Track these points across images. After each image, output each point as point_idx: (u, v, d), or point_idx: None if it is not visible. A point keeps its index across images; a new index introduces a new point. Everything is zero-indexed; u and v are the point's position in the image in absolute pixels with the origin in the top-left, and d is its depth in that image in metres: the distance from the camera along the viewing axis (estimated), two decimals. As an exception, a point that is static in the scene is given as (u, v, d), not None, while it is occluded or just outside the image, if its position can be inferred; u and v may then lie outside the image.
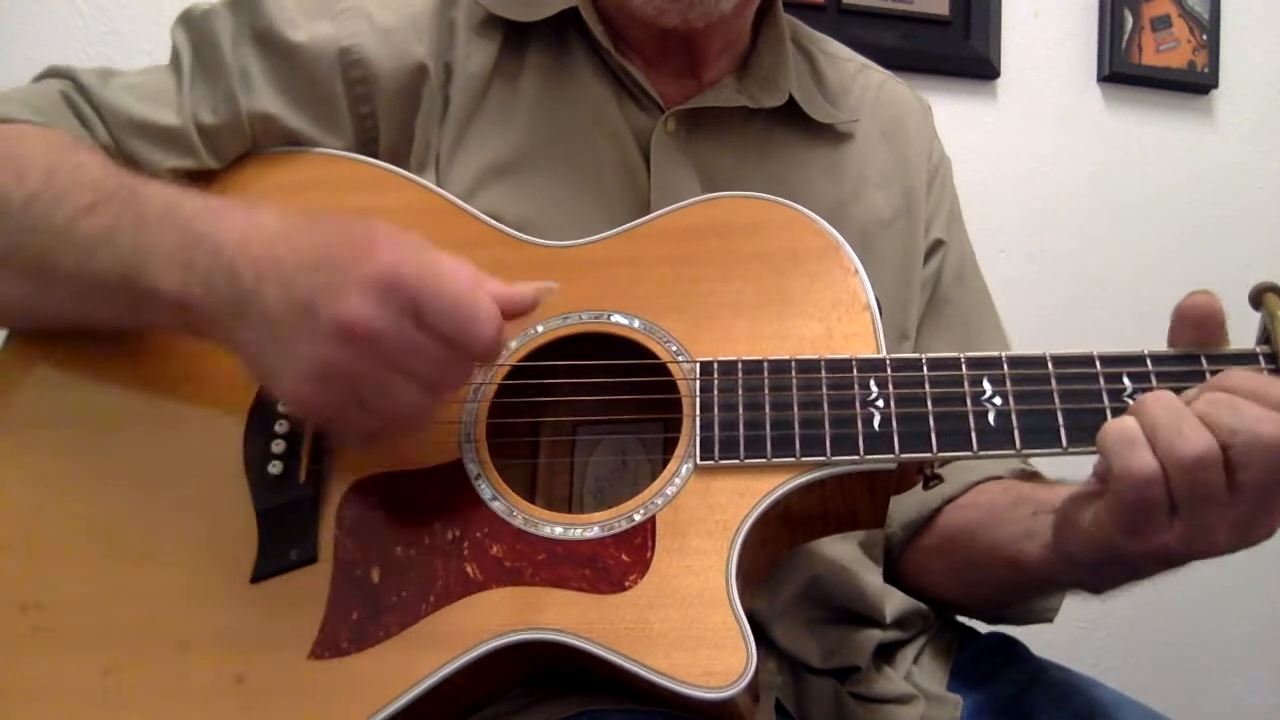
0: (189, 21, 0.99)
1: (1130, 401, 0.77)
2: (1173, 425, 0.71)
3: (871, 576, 1.02)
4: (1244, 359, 0.79)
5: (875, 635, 1.00)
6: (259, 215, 0.80)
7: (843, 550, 0.99)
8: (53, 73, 0.98)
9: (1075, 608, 1.04)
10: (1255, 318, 0.82)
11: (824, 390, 0.81)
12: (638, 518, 0.79)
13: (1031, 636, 1.06)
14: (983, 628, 1.10)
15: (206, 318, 0.79)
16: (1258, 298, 0.81)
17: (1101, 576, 0.85)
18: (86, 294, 0.84)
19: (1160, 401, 0.73)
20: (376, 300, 0.72)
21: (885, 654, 1.02)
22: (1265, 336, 0.80)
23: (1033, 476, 1.04)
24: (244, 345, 0.78)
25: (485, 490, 0.82)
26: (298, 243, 0.77)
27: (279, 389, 0.77)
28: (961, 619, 1.11)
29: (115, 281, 0.82)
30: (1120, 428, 0.73)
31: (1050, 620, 1.05)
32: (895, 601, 1.04)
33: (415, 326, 0.73)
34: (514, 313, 0.77)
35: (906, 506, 1.04)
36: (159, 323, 0.83)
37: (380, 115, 0.97)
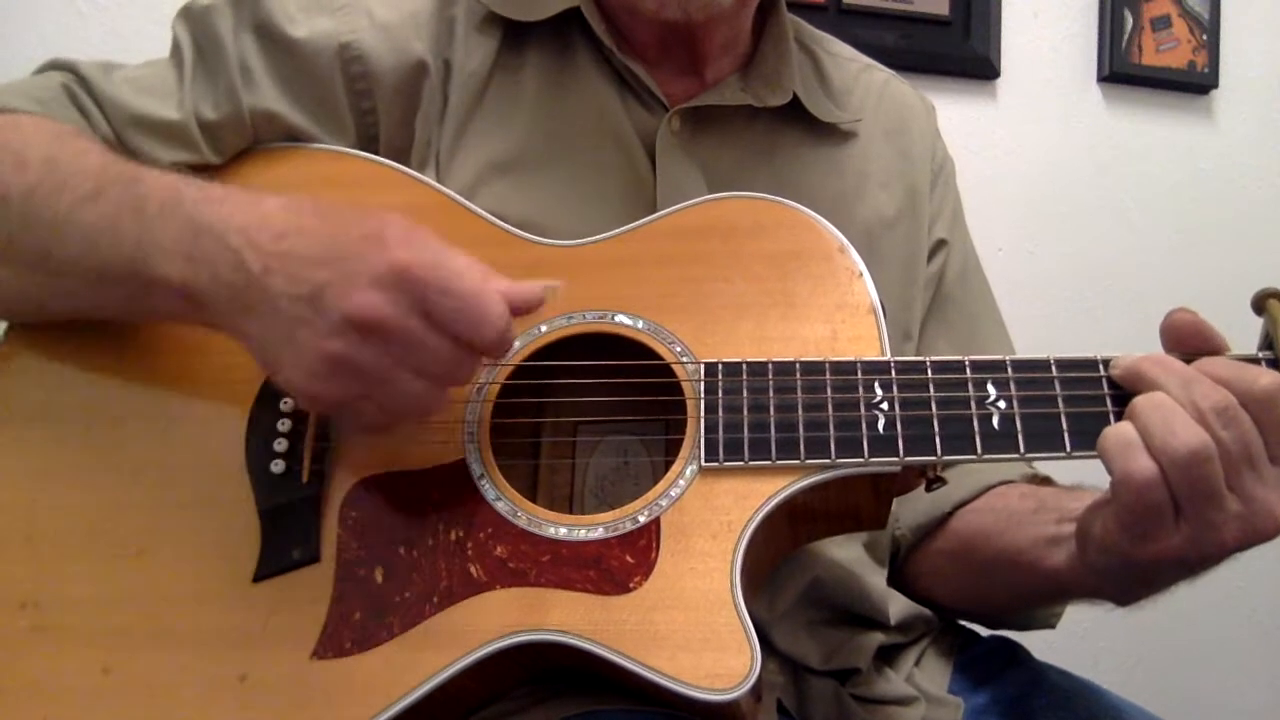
0: (190, 16, 0.99)
1: None
2: (1165, 424, 0.72)
3: (875, 578, 1.02)
4: (1246, 364, 0.79)
5: (877, 638, 1.00)
6: (263, 203, 0.80)
7: (846, 552, 0.99)
8: (54, 65, 0.98)
9: (1075, 610, 1.04)
10: (1254, 320, 0.82)
11: (828, 392, 0.81)
12: (642, 519, 0.79)
13: (1032, 639, 1.06)
14: (984, 631, 1.10)
15: (211, 308, 0.79)
16: (1260, 303, 0.81)
17: (1122, 587, 0.85)
18: (91, 283, 0.84)
19: (1151, 402, 0.74)
20: (386, 294, 0.72)
21: (887, 656, 1.02)
22: (1267, 342, 0.80)
23: (1045, 481, 1.04)
24: (250, 336, 0.78)
25: (489, 491, 0.82)
26: (306, 234, 0.76)
27: (285, 380, 0.77)
28: (963, 622, 1.11)
29: (119, 271, 0.81)
30: (1117, 433, 0.74)
31: (1053, 626, 1.06)
32: (898, 604, 1.04)
33: (424, 322, 0.73)
34: (521, 310, 0.77)
35: (917, 510, 1.04)
36: (166, 311, 0.83)
37: (380, 112, 0.97)
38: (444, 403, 0.79)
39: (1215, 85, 2.02)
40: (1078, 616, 1.03)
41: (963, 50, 1.90)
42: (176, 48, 0.99)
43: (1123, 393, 0.78)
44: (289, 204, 0.79)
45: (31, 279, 0.86)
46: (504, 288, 0.75)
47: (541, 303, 0.79)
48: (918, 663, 1.04)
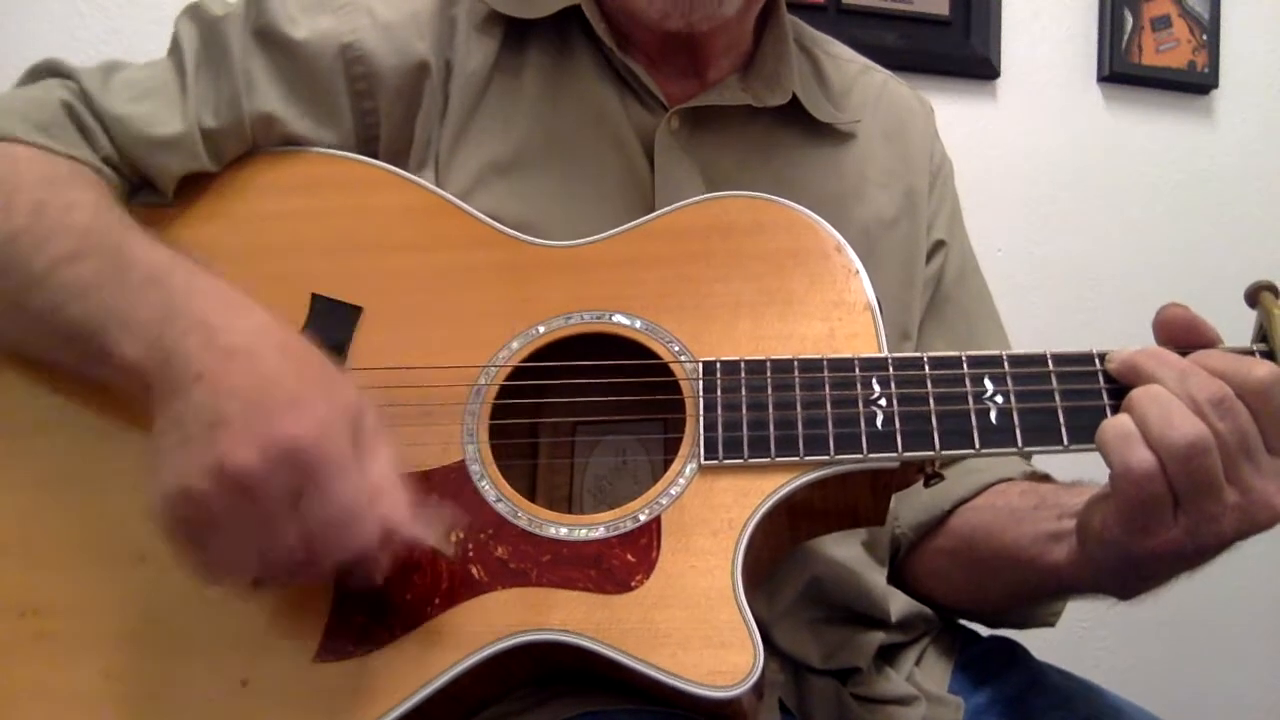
0: (198, 17, 0.98)
1: None
2: (1163, 415, 0.72)
3: (876, 577, 1.02)
4: (1241, 357, 0.79)
5: (878, 637, 1.00)
6: (242, 313, 0.78)
7: (846, 551, 0.99)
8: (52, 70, 0.96)
9: (1075, 609, 1.04)
10: (1251, 316, 0.83)
11: (827, 390, 0.81)
12: (643, 518, 0.79)
13: (1032, 638, 1.06)
14: (984, 630, 1.10)
15: (148, 389, 0.76)
16: (1254, 296, 0.81)
17: (1122, 581, 0.85)
18: (47, 336, 0.83)
19: (1148, 394, 0.74)
20: (270, 464, 0.69)
21: (887, 655, 1.02)
22: (1261, 334, 0.81)
23: (1044, 478, 1.04)
24: (156, 425, 0.75)
25: (489, 491, 0.82)
26: (254, 363, 0.74)
27: (151, 484, 0.73)
28: (963, 621, 1.11)
29: (80, 335, 0.80)
30: (1115, 425, 0.74)
31: (1053, 624, 1.06)
32: (899, 603, 1.04)
33: (287, 504, 0.70)
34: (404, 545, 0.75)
35: (917, 507, 1.04)
36: (105, 379, 0.81)
37: (382, 112, 0.97)
38: (266, 589, 0.76)
39: (1215, 85, 2.02)
40: (1078, 616, 1.03)
41: (963, 50, 1.90)
42: (178, 47, 0.98)
43: (1119, 386, 0.78)
44: (267, 326, 0.77)
45: None
46: (392, 520, 0.73)
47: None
48: (918, 662, 1.04)
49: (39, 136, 0.90)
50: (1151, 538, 0.74)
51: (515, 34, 1.00)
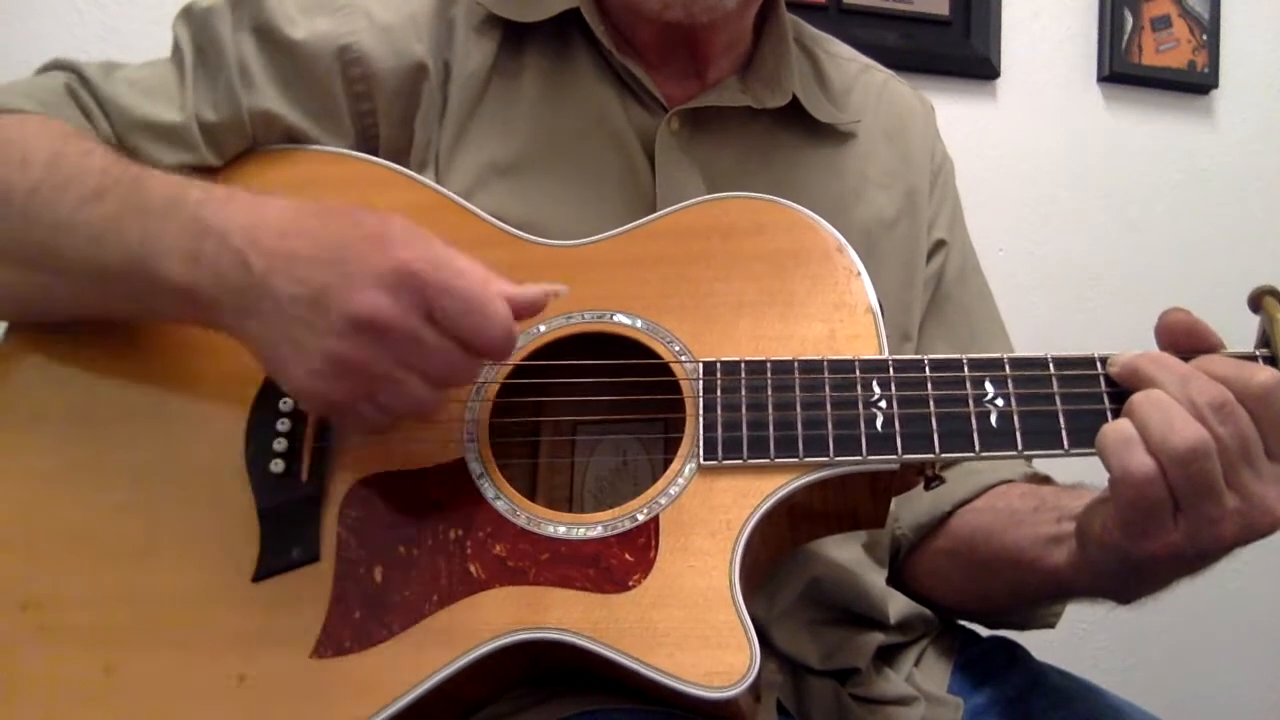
0: (190, 17, 0.98)
1: None
2: (1163, 420, 0.72)
3: (875, 577, 1.02)
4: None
5: (877, 638, 1.00)
6: (267, 205, 0.80)
7: (845, 552, 0.99)
8: (56, 65, 0.98)
9: (1076, 610, 1.04)
10: (1253, 320, 0.82)
11: (827, 391, 0.81)
12: (641, 517, 0.79)
13: (1032, 639, 1.06)
14: (983, 631, 1.10)
15: (214, 308, 0.79)
16: (1257, 301, 0.81)
17: (1121, 584, 0.85)
18: (94, 283, 0.84)
19: (1149, 399, 0.74)
20: (389, 294, 0.72)
21: (886, 656, 1.02)
22: (1264, 340, 0.80)
23: (1045, 480, 1.04)
24: (253, 337, 0.78)
25: (488, 490, 0.82)
26: (309, 234, 0.76)
27: (287, 381, 0.77)
28: (962, 622, 1.11)
29: (121, 271, 0.81)
30: (1116, 429, 0.74)
31: (1053, 625, 1.06)
32: (898, 604, 1.04)
33: (426, 322, 0.73)
34: (523, 313, 0.77)
35: (918, 509, 1.04)
36: (167, 312, 0.83)
37: (380, 113, 0.97)
38: (444, 403, 0.79)
39: (1215, 85, 2.02)
40: (1077, 616, 1.03)
41: (963, 50, 1.90)
42: (177, 48, 0.99)
43: (1120, 390, 0.78)
44: (292, 205, 0.79)
45: (34, 279, 0.86)
46: (507, 290, 0.76)
47: (543, 306, 0.79)
48: (917, 663, 1.04)
49: (42, 110, 0.91)
50: (1151, 542, 0.74)
51: (513, 36, 1.01)
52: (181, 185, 0.83)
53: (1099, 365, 0.80)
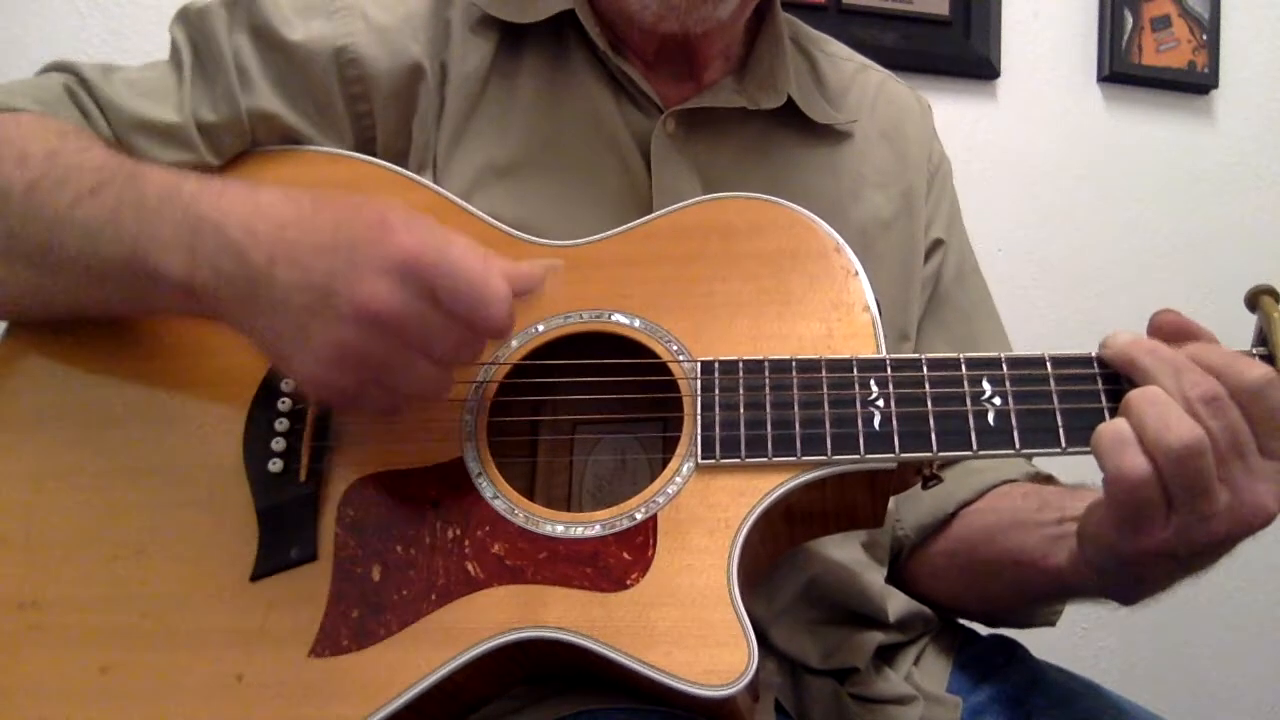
0: (187, 18, 0.99)
1: None
2: (1160, 418, 0.72)
3: (874, 577, 1.02)
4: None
5: (876, 637, 1.00)
6: (263, 195, 0.80)
7: (844, 552, 1.00)
8: (56, 67, 0.98)
9: (1075, 610, 1.04)
10: (1252, 320, 0.82)
11: (824, 390, 0.81)
12: (639, 516, 0.79)
13: (1032, 638, 1.06)
14: (983, 629, 1.10)
15: (215, 301, 0.79)
16: (1253, 300, 0.81)
17: (1120, 583, 0.85)
18: (93, 279, 0.84)
19: (1146, 397, 0.74)
20: (394, 282, 0.73)
21: (886, 655, 1.02)
22: (1261, 338, 0.81)
23: (1048, 480, 1.04)
24: (256, 329, 0.78)
25: (486, 489, 0.82)
26: (308, 224, 0.77)
27: (294, 372, 0.77)
28: (962, 621, 1.11)
29: (120, 266, 0.81)
30: (1111, 429, 0.74)
31: (1053, 624, 1.06)
32: (897, 603, 1.04)
33: (432, 306, 0.73)
34: (523, 291, 0.77)
35: (920, 510, 1.04)
36: (167, 306, 0.83)
37: (377, 115, 0.97)
38: (451, 384, 0.79)
39: (1215, 85, 2.02)
40: (1077, 616, 1.03)
41: (963, 50, 1.90)
42: (175, 50, 0.99)
43: (1117, 389, 0.78)
44: (288, 195, 0.79)
45: (33, 276, 0.86)
46: (505, 269, 0.76)
47: (542, 283, 0.79)
48: (917, 662, 1.04)
49: (41, 109, 0.92)
50: (1143, 538, 0.75)
51: (510, 37, 1.01)
52: (176, 178, 0.83)
53: (1096, 364, 0.80)
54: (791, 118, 1.05)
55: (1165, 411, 0.72)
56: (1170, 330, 0.79)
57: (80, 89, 0.95)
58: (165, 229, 0.80)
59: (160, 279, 0.80)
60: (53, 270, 0.85)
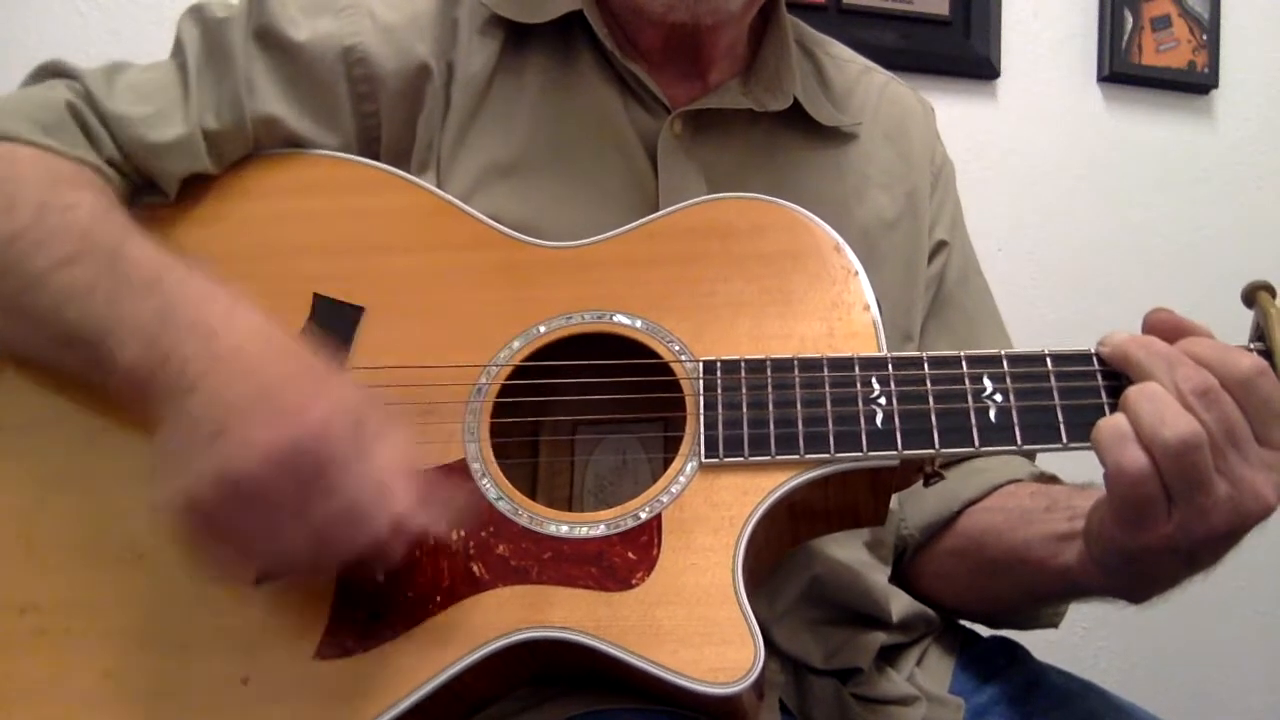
0: (200, 19, 0.98)
1: None
2: (1156, 413, 0.73)
3: (877, 577, 1.02)
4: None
5: (879, 637, 1.00)
6: (238, 315, 0.78)
7: (847, 551, 1.00)
8: (56, 71, 0.96)
9: (1075, 610, 1.04)
10: (1249, 316, 0.83)
11: (826, 388, 0.82)
12: (643, 516, 0.80)
13: (1032, 639, 1.06)
14: (984, 630, 1.10)
15: (146, 392, 0.77)
16: (1250, 296, 0.82)
17: (1126, 580, 0.85)
18: (50, 340, 0.83)
19: (1143, 393, 0.74)
20: (272, 469, 0.69)
21: (888, 656, 1.02)
22: (1258, 334, 0.81)
23: (1053, 480, 1.04)
24: (159, 432, 0.75)
25: (490, 489, 0.82)
26: (251, 366, 0.75)
27: (156, 490, 0.73)
28: (964, 622, 1.11)
29: (77, 338, 0.81)
30: (1110, 425, 0.74)
31: (1056, 625, 1.06)
32: (900, 603, 1.04)
33: (294, 506, 0.70)
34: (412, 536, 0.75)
35: (925, 509, 1.04)
36: (110, 387, 0.81)
37: (383, 114, 0.97)
38: (282, 581, 0.78)
39: (1215, 85, 2.02)
40: (1078, 616, 1.03)
41: (963, 50, 1.90)
42: (181, 48, 0.98)
43: (1117, 384, 0.78)
44: (261, 330, 0.78)
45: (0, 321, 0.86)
46: (400, 514, 0.73)
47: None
48: (919, 662, 1.04)
49: (43, 138, 0.90)
50: (1146, 533, 0.75)
51: (516, 37, 1.01)
52: (162, 266, 0.81)
53: (1096, 361, 0.80)
54: (797, 120, 1.05)
55: (1161, 406, 0.73)
56: (1165, 328, 0.79)
57: (84, 105, 0.93)
58: (136, 317, 0.78)
59: (110, 362, 0.78)
60: (16, 320, 0.85)
